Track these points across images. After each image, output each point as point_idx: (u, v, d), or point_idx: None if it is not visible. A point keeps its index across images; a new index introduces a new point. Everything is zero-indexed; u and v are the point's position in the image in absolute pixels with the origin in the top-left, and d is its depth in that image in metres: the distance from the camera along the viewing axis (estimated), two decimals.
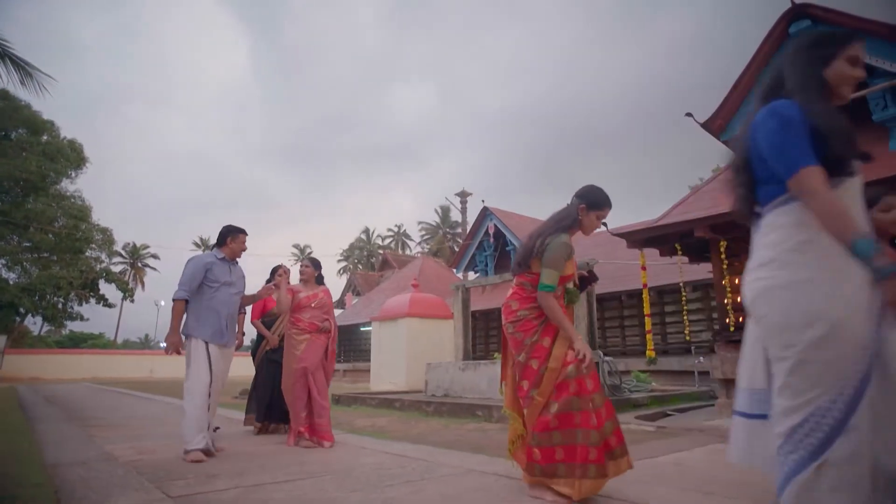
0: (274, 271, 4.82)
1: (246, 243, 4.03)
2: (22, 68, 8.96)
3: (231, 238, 3.99)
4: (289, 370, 4.24)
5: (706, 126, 6.18)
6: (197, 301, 3.74)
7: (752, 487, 2.70)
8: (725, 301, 5.86)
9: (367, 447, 4.07)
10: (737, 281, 5.94)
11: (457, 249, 38.52)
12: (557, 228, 2.53)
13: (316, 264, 4.63)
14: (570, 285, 2.63)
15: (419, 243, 46.46)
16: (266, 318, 5.17)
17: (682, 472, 3.07)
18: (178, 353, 3.75)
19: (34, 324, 28.24)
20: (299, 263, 4.64)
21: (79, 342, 40.08)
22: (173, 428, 5.46)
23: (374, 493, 2.59)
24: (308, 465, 3.32)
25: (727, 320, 5.83)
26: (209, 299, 3.77)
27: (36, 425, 5.56)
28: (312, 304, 4.36)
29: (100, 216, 45.39)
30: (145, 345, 58.28)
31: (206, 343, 3.69)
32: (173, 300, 3.70)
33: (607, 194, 2.64)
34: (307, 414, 4.16)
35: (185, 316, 3.82)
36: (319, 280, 4.59)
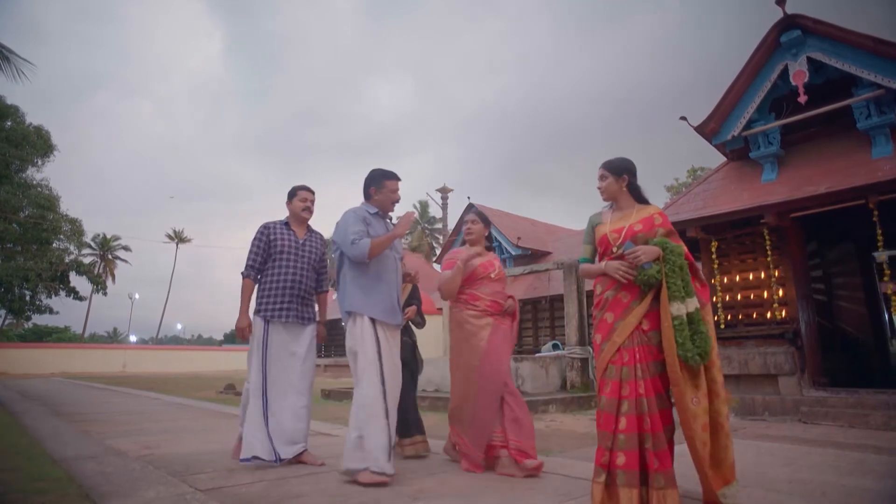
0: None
1: (399, 192, 3.09)
2: None
3: (375, 188, 3.05)
4: (467, 368, 3.10)
5: (700, 130, 6.37)
6: (355, 268, 2.90)
7: (761, 476, 2.84)
8: (715, 299, 6.07)
9: None
10: (726, 280, 6.15)
11: (435, 245, 38.56)
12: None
13: (485, 220, 3.41)
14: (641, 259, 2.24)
15: None
16: None
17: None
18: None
19: None
20: (466, 220, 3.43)
21: (43, 336, 38.76)
22: (167, 423, 5.41)
23: (400, 485, 2.64)
24: (324, 460, 3.32)
25: (716, 318, 6.04)
26: (376, 264, 2.91)
27: (24, 421, 5.41)
28: (492, 275, 3.23)
29: (68, 206, 43.77)
30: (114, 339, 56.75)
31: (375, 322, 2.82)
32: (357, 256, 2.80)
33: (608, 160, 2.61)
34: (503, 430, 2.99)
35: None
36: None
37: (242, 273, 3.24)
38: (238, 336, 3.18)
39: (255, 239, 3.29)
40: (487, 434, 2.98)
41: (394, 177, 3.08)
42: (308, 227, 3.45)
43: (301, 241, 3.36)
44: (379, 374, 2.74)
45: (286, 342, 3.20)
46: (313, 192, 3.47)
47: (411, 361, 3.62)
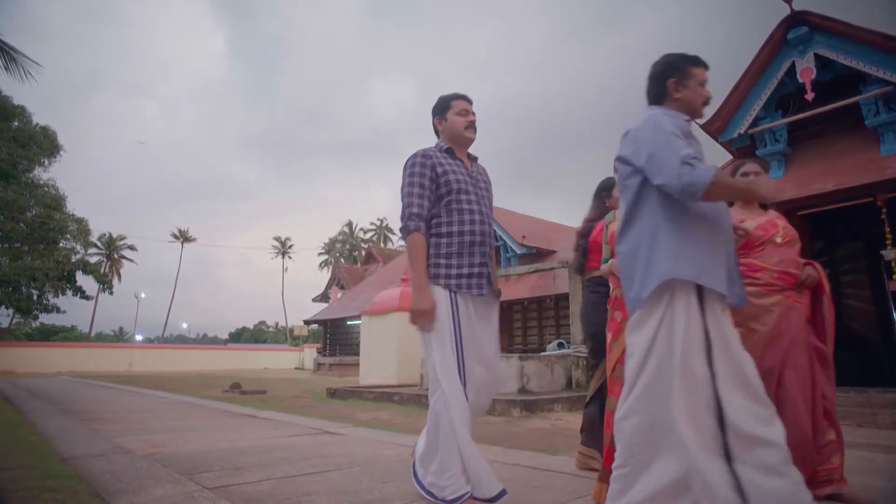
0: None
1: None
2: (6, 53, 8.72)
3: (677, 80, 1.87)
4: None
5: (705, 128, 6.35)
6: (676, 213, 1.72)
7: None
8: None
9: (381, 440, 4.11)
10: None
11: None
12: None
13: (767, 170, 2.58)
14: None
15: (401, 237, 46.41)
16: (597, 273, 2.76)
17: None
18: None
19: (6, 316, 27.44)
20: (747, 171, 2.52)
21: (50, 335, 39.13)
22: (174, 422, 5.42)
23: (407, 484, 2.64)
24: (331, 458, 3.34)
25: None
26: (709, 208, 1.75)
27: (33, 419, 5.45)
28: (777, 239, 2.41)
29: (73, 206, 44.26)
30: (120, 338, 57.17)
31: (703, 296, 1.69)
32: (693, 187, 1.63)
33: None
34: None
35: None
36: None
37: (409, 225, 2.13)
38: (418, 322, 2.10)
39: (413, 174, 2.16)
40: (812, 451, 2.24)
41: (700, 62, 1.92)
42: (468, 153, 2.38)
43: (473, 175, 2.29)
44: (711, 387, 1.59)
45: (474, 324, 2.14)
46: (472, 102, 2.35)
47: None
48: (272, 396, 9.25)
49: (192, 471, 2.91)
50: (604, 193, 2.87)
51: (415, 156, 2.21)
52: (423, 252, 2.12)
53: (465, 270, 2.13)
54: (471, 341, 2.11)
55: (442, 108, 2.32)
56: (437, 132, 2.37)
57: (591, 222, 2.93)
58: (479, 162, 2.45)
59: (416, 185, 2.15)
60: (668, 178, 1.65)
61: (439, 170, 2.18)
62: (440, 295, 2.10)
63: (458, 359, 2.05)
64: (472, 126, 2.29)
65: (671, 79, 1.88)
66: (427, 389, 2.17)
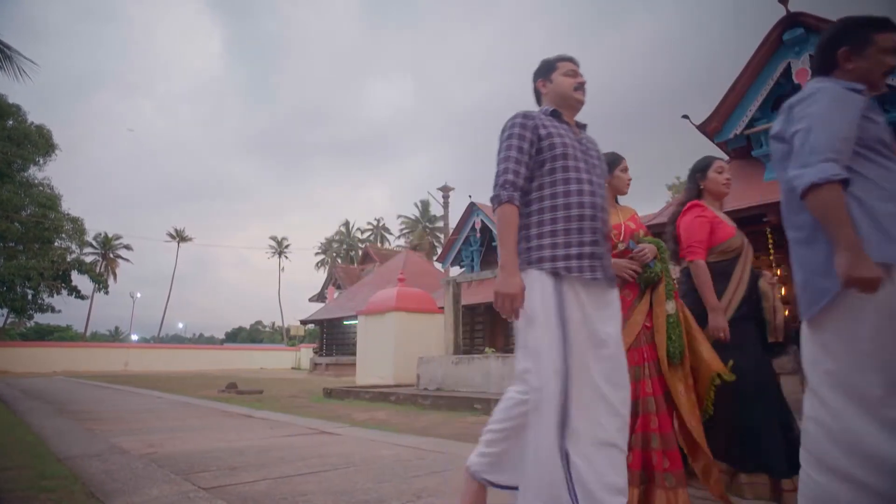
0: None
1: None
2: (1, 51, 8.69)
3: (852, 49, 1.58)
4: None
5: (702, 128, 6.37)
6: (866, 182, 1.45)
7: None
8: None
9: (378, 440, 4.12)
10: None
11: (436, 244, 38.60)
12: None
13: None
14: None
15: (398, 237, 46.45)
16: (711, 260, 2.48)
17: None
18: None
19: (1, 315, 27.33)
20: None
21: (45, 335, 38.93)
22: (171, 422, 5.42)
23: (403, 484, 2.65)
24: (328, 458, 3.34)
25: None
26: (881, 185, 1.46)
27: (29, 419, 5.43)
28: None
29: (70, 205, 44.06)
30: (115, 337, 56.98)
31: None
32: (804, 181, 1.38)
33: (612, 153, 2.53)
34: None
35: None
36: None
37: (501, 195, 1.77)
38: (506, 308, 1.68)
39: (511, 136, 1.83)
40: None
41: (888, 26, 1.61)
42: (577, 121, 2.03)
43: (583, 143, 1.94)
44: None
45: (588, 316, 1.73)
46: (579, 65, 2.05)
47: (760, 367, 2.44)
48: (269, 396, 9.24)
49: (188, 471, 2.91)
50: (698, 175, 2.67)
51: (515, 116, 1.89)
52: (513, 226, 1.76)
53: (575, 250, 1.74)
54: (580, 331, 1.71)
55: (547, 69, 2.04)
56: (537, 98, 2.09)
57: (680, 206, 2.76)
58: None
59: (515, 147, 1.81)
60: (791, 164, 1.48)
61: (542, 132, 1.85)
62: (542, 282, 1.71)
63: (563, 351, 1.66)
64: (581, 88, 1.99)
65: (843, 48, 1.60)
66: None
